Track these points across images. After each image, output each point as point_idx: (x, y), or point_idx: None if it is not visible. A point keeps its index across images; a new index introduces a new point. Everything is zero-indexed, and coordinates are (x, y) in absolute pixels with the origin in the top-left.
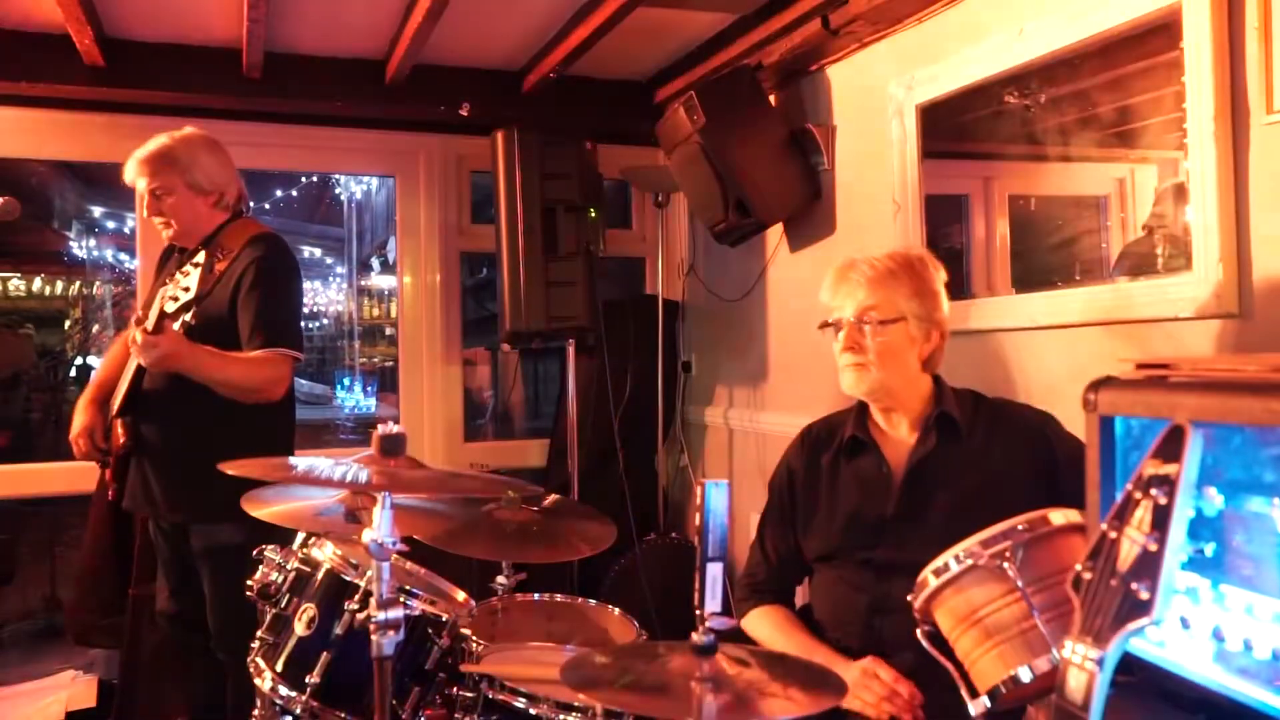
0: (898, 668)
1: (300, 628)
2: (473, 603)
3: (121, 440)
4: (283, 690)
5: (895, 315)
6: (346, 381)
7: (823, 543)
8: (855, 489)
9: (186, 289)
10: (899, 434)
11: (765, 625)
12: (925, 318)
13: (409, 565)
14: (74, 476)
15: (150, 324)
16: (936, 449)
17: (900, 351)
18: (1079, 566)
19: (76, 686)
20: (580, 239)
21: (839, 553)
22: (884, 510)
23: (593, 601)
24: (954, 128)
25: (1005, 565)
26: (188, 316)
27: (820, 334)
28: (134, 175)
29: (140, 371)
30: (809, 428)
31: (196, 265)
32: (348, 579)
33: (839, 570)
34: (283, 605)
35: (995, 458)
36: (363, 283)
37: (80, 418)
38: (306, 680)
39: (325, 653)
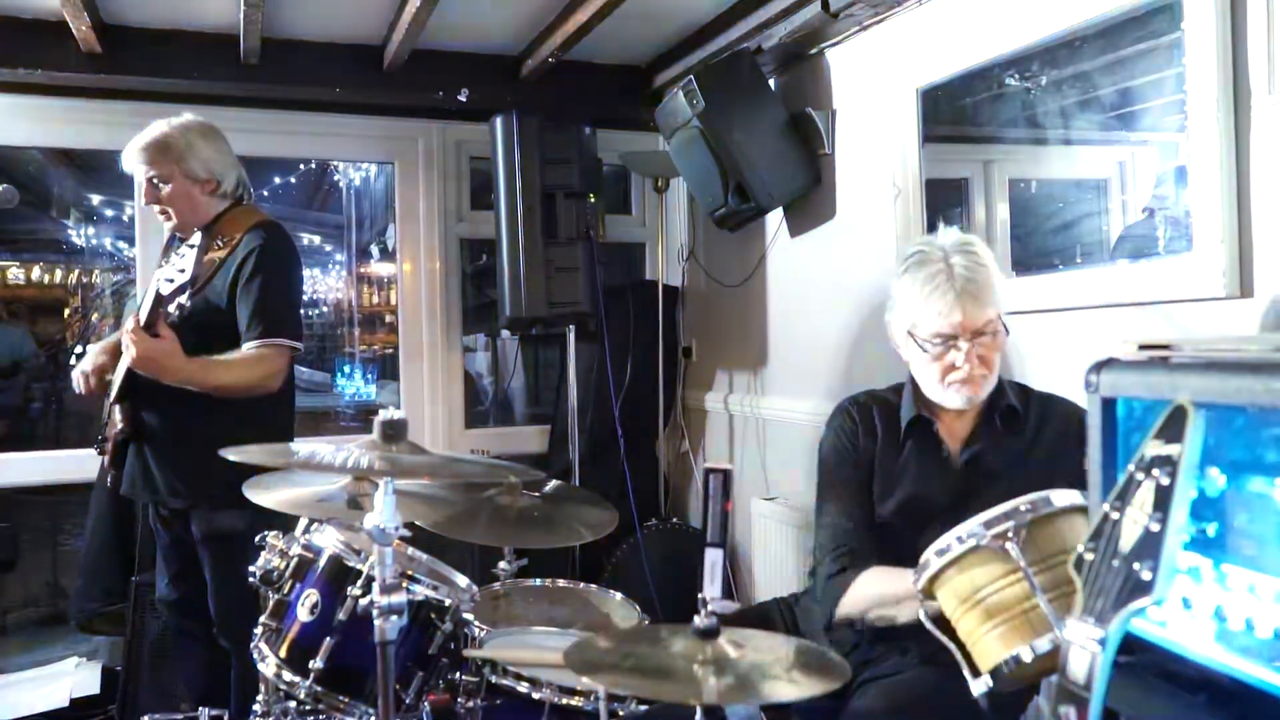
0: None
1: (303, 613)
2: (475, 588)
3: (120, 425)
4: (286, 676)
5: (1000, 321)
6: (347, 369)
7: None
8: (914, 471)
9: (181, 270)
10: (959, 419)
11: (877, 580)
12: (1002, 311)
13: (411, 551)
14: (76, 465)
15: (143, 316)
16: (996, 438)
17: (999, 354)
18: (1081, 547)
19: (80, 674)
20: (580, 225)
21: (887, 531)
22: (941, 496)
23: (594, 586)
24: (954, 111)
25: (1008, 545)
26: (183, 299)
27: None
28: (131, 164)
29: None
30: (858, 401)
31: (192, 247)
32: (350, 564)
33: (883, 546)
34: (285, 591)
35: (1047, 449)
36: (362, 270)
37: (93, 356)
38: (310, 666)
39: (328, 638)
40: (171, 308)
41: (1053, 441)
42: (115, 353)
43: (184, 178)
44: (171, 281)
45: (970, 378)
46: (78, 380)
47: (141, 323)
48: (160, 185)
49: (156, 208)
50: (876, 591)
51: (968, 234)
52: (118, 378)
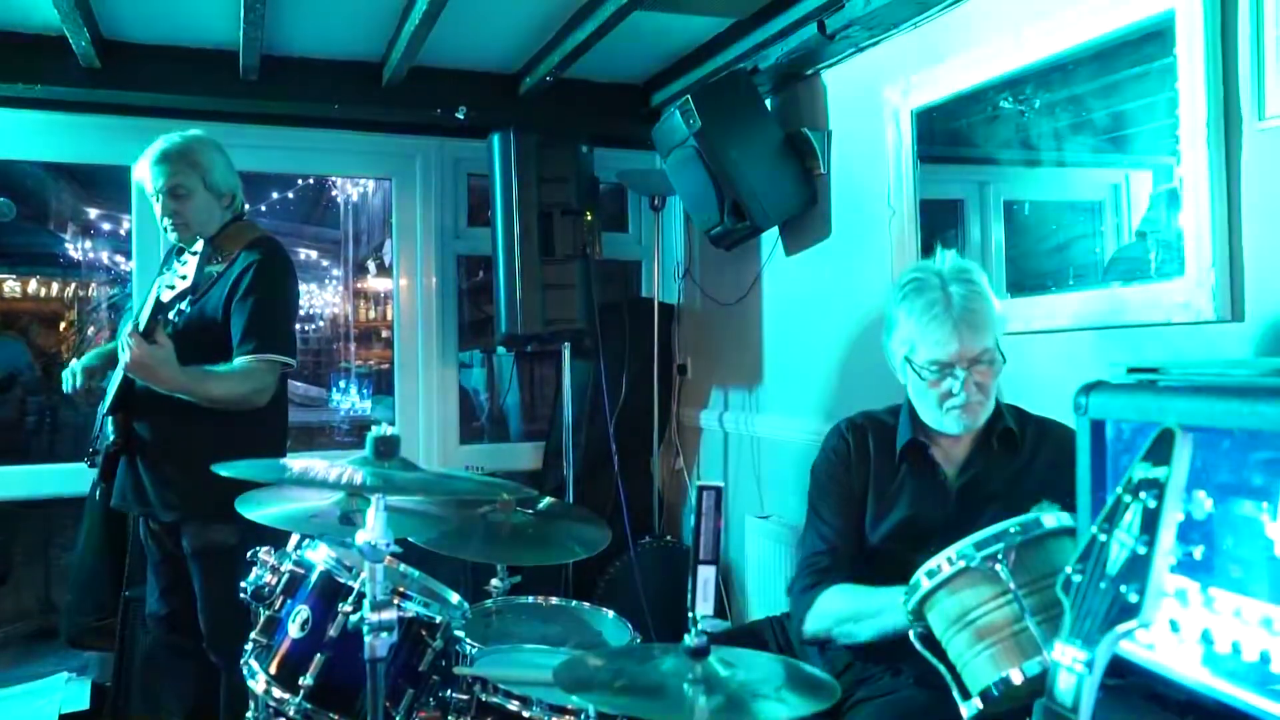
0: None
1: (294, 630)
2: (467, 605)
3: (112, 438)
4: (276, 692)
5: (996, 349)
6: (342, 384)
7: (871, 540)
8: (910, 493)
9: (183, 277)
10: (955, 443)
11: (840, 596)
12: (1000, 338)
13: (403, 567)
14: (68, 479)
15: (142, 324)
16: (992, 461)
17: (996, 380)
18: (1069, 569)
19: (70, 689)
20: (576, 242)
21: (882, 554)
22: (936, 519)
23: (587, 604)
24: (949, 132)
25: (998, 567)
26: (183, 305)
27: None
28: (152, 172)
29: None
30: (853, 422)
31: (194, 254)
32: (342, 581)
33: (878, 570)
34: (276, 607)
35: (1042, 472)
36: (359, 285)
37: (88, 359)
38: (300, 682)
39: (319, 655)
40: (171, 314)
41: (1048, 465)
42: (107, 360)
43: (206, 190)
44: (172, 289)
45: (968, 405)
46: (66, 378)
47: (140, 329)
48: (183, 196)
49: (172, 219)
50: (837, 608)
51: (965, 260)
52: (112, 388)
